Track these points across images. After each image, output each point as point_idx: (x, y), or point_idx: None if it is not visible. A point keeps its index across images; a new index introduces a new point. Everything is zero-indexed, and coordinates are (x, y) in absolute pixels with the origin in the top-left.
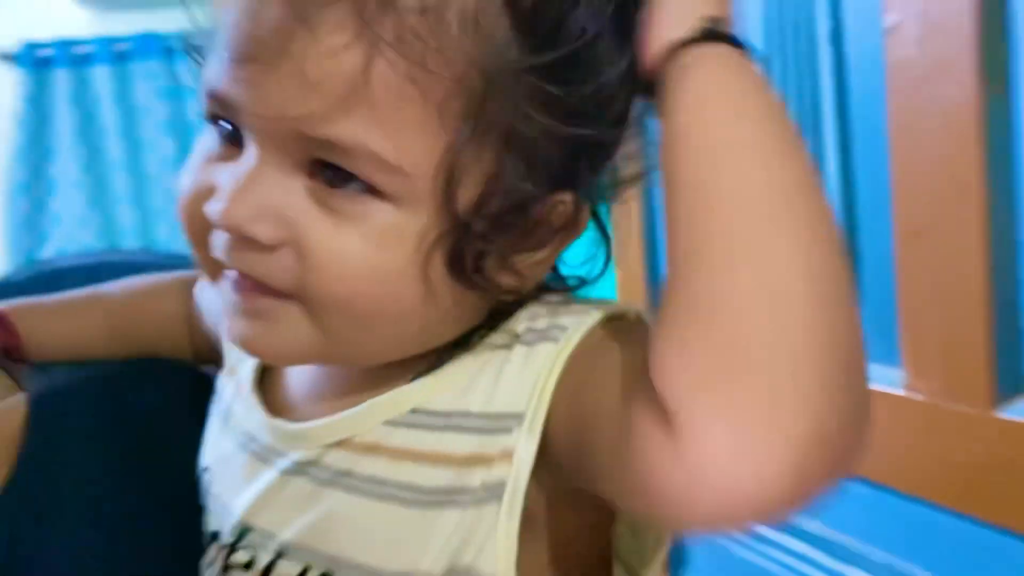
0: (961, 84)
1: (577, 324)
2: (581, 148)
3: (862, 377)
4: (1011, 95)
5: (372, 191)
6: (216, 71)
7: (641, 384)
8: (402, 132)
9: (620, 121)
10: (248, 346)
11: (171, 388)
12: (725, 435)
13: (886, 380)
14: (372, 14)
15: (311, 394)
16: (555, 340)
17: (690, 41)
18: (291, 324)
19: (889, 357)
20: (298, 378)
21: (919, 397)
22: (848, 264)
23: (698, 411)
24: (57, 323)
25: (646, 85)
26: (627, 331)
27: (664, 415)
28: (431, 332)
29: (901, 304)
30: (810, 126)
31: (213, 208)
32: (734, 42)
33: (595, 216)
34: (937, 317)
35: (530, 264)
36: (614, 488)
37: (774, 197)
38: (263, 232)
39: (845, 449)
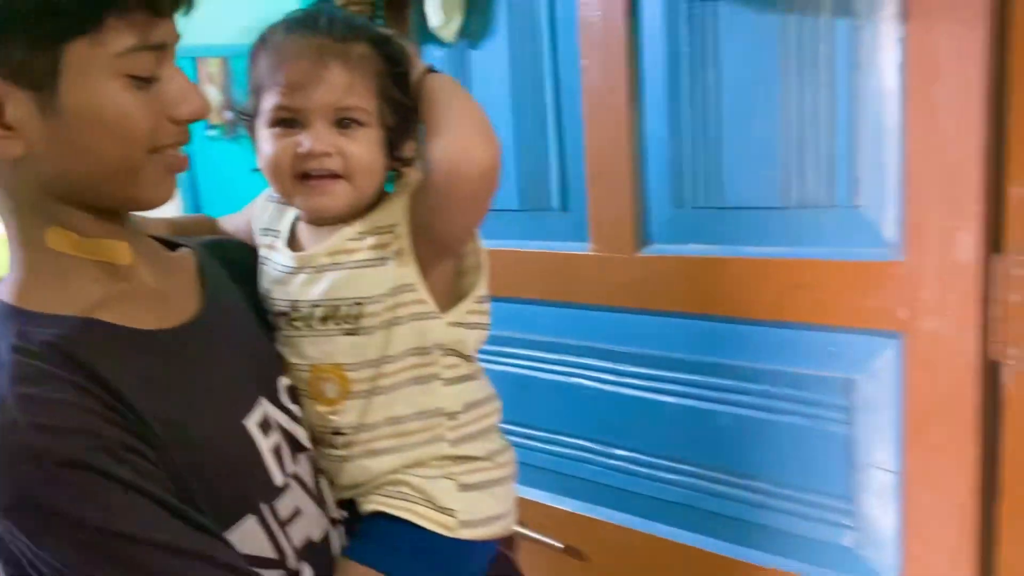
0: (619, 99)
1: (412, 181)
2: (408, 99)
3: (494, 138)
4: (640, 108)
5: (360, 124)
6: (278, 98)
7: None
8: (366, 97)
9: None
10: (321, 209)
11: (242, 246)
12: (463, 153)
13: (581, 248)
14: (348, 60)
15: (312, 242)
16: (404, 189)
17: (428, 71)
18: (341, 191)
19: (582, 236)
20: (306, 238)
21: (599, 253)
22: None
23: (452, 152)
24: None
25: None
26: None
27: (439, 164)
28: (377, 187)
29: (589, 209)
30: (541, 119)
31: (305, 146)
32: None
33: None
34: (607, 215)
35: (407, 149)
36: (438, 204)
37: (468, 100)
38: (330, 149)
39: (496, 156)
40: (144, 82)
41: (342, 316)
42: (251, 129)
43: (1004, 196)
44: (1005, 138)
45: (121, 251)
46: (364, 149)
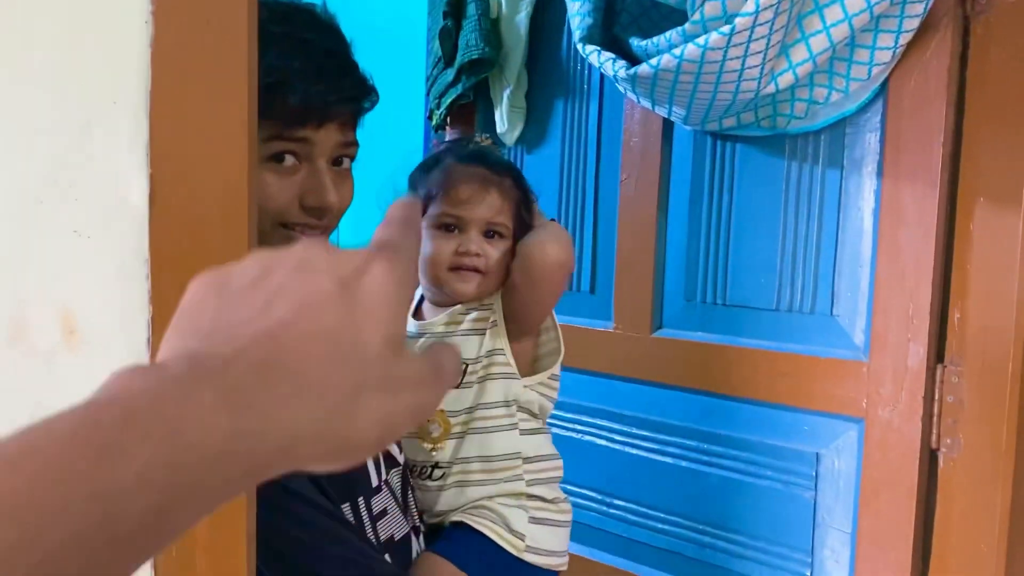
0: (649, 209)
1: None
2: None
3: (569, 247)
4: (666, 217)
5: (501, 236)
6: (445, 207)
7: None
8: (508, 217)
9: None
10: (461, 294)
11: None
12: (539, 247)
13: (604, 326)
14: (502, 189)
15: (430, 315)
16: None
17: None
18: (478, 282)
19: (607, 316)
20: (426, 311)
21: (619, 332)
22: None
23: (532, 245)
24: None
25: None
26: None
27: (522, 252)
28: (498, 284)
29: (615, 294)
30: (581, 216)
31: (463, 248)
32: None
33: None
34: (629, 300)
35: None
36: (519, 286)
37: (559, 227)
38: (479, 252)
39: (566, 257)
40: (281, 165)
41: None
42: None
43: (948, 318)
44: (951, 273)
45: None
46: (499, 254)
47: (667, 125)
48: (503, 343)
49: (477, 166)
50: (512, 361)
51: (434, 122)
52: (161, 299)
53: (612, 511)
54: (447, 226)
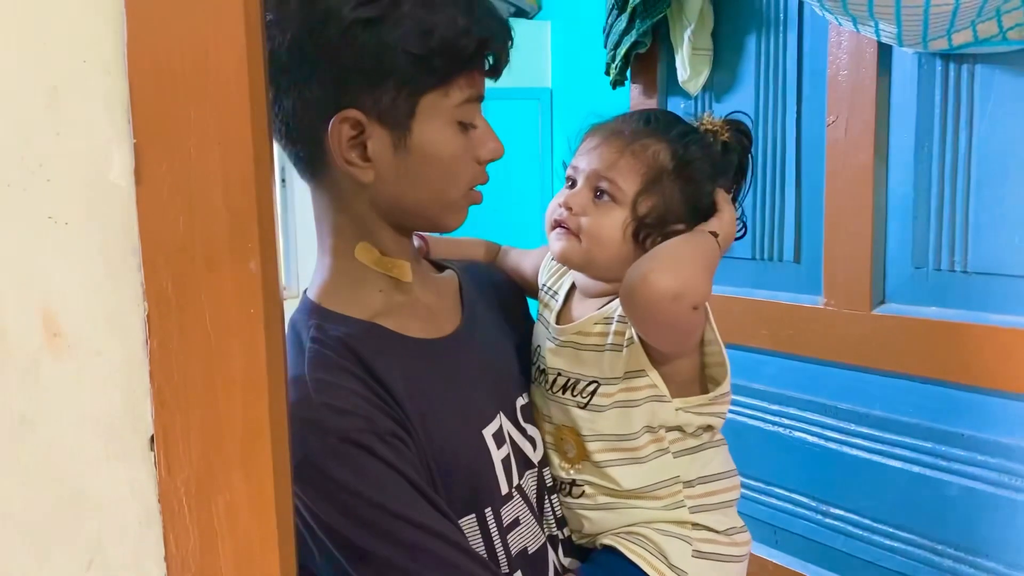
0: (864, 156)
1: None
2: (673, 211)
3: (688, 278)
4: (886, 165)
5: (612, 199)
6: (576, 166)
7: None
8: (628, 180)
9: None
10: (557, 256)
11: (502, 276)
12: (641, 276)
13: (813, 301)
14: (629, 145)
15: (576, 312)
16: None
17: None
18: (572, 248)
19: (816, 289)
20: (574, 306)
21: (831, 308)
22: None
23: (635, 271)
24: (442, 246)
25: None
26: None
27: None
28: (612, 263)
29: (824, 263)
30: (781, 171)
31: (560, 199)
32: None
33: None
34: (842, 270)
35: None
36: (627, 313)
37: (693, 246)
38: (576, 209)
39: (676, 291)
40: (466, 128)
41: (579, 390)
42: None
43: None
44: None
45: (407, 270)
46: (602, 221)
47: (883, 51)
48: (644, 361)
49: (619, 122)
50: (659, 382)
51: (611, 77)
52: (157, 294)
53: (828, 520)
54: (570, 180)
